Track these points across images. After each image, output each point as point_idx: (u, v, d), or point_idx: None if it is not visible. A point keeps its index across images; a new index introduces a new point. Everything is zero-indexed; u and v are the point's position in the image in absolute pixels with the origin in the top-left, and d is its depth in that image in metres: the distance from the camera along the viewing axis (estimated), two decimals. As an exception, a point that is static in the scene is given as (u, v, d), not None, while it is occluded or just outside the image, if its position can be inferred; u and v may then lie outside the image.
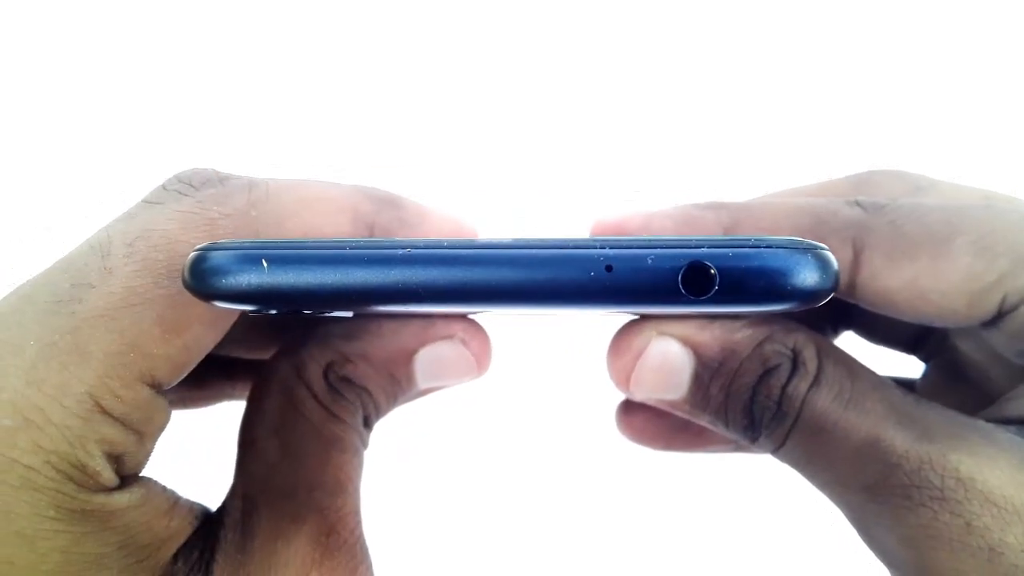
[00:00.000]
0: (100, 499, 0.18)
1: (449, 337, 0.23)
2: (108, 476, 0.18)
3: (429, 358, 0.24)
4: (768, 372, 0.21)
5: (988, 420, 0.20)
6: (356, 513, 0.22)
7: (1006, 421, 0.20)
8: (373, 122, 0.64)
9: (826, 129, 0.60)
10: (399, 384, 0.24)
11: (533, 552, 0.55)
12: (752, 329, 0.22)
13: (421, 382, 0.24)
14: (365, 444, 0.24)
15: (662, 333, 0.22)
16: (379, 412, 0.24)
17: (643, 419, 0.29)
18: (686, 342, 0.22)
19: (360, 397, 0.23)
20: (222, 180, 0.21)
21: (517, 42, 0.64)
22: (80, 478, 0.17)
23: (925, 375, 0.27)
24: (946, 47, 0.61)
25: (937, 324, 0.21)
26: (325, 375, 0.22)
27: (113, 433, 0.18)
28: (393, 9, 0.64)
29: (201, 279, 0.17)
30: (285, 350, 0.23)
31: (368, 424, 0.24)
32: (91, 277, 0.18)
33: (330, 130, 0.63)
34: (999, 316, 0.20)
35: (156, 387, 0.19)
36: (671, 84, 0.62)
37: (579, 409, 0.53)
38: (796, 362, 0.21)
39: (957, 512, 0.18)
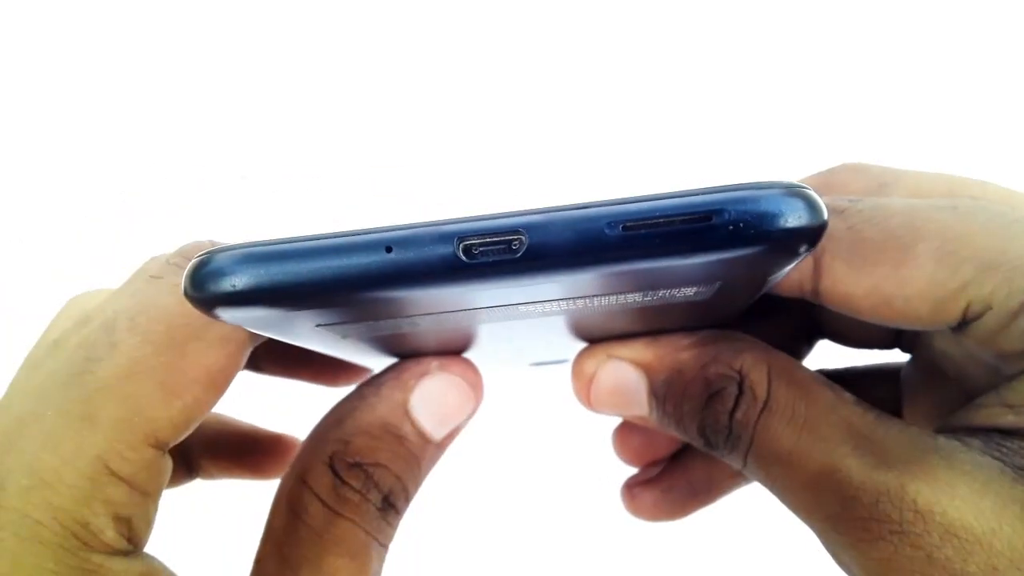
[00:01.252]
0: (98, 559, 0.19)
1: (427, 372, 0.24)
2: (111, 536, 0.19)
3: (423, 401, 0.24)
4: (713, 396, 0.21)
5: (956, 428, 0.20)
6: None
7: (972, 430, 0.20)
8: (367, 121, 0.64)
9: (814, 121, 0.60)
10: (409, 442, 0.24)
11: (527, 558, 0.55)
12: (698, 348, 0.22)
13: (432, 431, 0.24)
14: (379, 538, 0.23)
15: (611, 356, 0.23)
16: (404, 484, 0.24)
17: (651, 499, 0.30)
18: (635, 363, 0.23)
19: (374, 477, 0.23)
20: None
21: (505, 42, 0.64)
22: (83, 535, 0.19)
23: (908, 366, 0.27)
24: (930, 40, 0.61)
25: (904, 328, 0.21)
26: (332, 469, 0.23)
27: (119, 494, 0.20)
28: (386, 9, 0.64)
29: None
30: (288, 469, 0.24)
31: (391, 503, 0.23)
32: (100, 352, 0.20)
33: (324, 129, 0.64)
34: (965, 323, 0.19)
35: (160, 448, 0.21)
36: (655, 83, 0.63)
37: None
38: (743, 386, 0.21)
39: (917, 545, 0.18)
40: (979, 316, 0.19)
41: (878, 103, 0.61)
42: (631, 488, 0.30)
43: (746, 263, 0.16)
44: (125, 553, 0.20)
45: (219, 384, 0.22)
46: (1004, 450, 0.19)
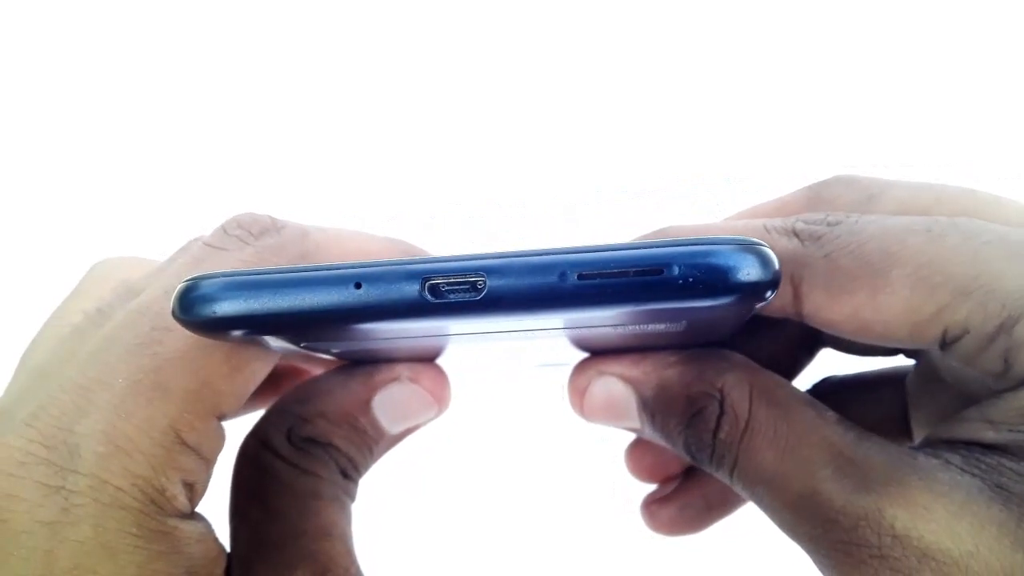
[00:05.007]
0: (174, 522, 0.20)
1: (395, 379, 0.25)
2: (182, 502, 0.20)
3: (385, 403, 0.25)
4: (696, 415, 0.22)
5: (940, 441, 0.20)
6: (348, 554, 0.24)
7: (954, 443, 0.20)
8: (365, 121, 0.64)
9: (809, 127, 0.60)
10: (365, 433, 0.25)
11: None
12: (682, 366, 0.22)
13: (388, 427, 0.25)
14: (350, 495, 0.25)
15: (601, 372, 0.24)
16: (355, 464, 0.25)
17: (668, 516, 0.30)
18: (623, 379, 0.23)
19: (328, 452, 0.25)
20: (279, 229, 0.23)
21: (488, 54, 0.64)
22: (160, 500, 0.20)
23: (913, 372, 0.27)
24: (923, 41, 0.61)
25: (890, 346, 0.21)
26: (288, 439, 0.24)
27: (189, 462, 0.20)
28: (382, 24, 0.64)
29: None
30: (252, 430, 0.25)
31: (348, 476, 0.25)
32: (168, 322, 0.20)
33: (324, 129, 0.64)
34: (946, 344, 0.20)
35: (220, 419, 0.21)
36: (654, 85, 0.63)
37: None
38: (724, 406, 0.21)
39: (897, 569, 0.18)
40: (959, 339, 0.19)
41: (872, 108, 0.61)
42: (648, 506, 0.31)
43: (704, 309, 0.17)
44: (190, 515, 0.21)
45: (271, 361, 0.22)
46: (983, 466, 0.19)
